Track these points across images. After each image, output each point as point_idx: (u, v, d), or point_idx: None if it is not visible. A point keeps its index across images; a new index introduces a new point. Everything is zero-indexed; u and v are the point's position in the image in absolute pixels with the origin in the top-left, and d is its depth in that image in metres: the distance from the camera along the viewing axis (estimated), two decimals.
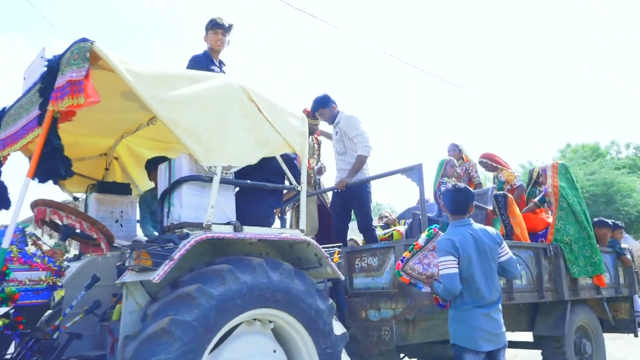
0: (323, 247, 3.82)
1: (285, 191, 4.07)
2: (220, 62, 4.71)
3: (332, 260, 3.80)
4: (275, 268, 3.35)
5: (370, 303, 4.63)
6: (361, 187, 5.27)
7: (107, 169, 4.83)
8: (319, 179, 5.98)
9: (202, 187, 3.33)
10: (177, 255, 2.97)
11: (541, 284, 5.25)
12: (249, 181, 3.53)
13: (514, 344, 6.13)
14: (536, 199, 6.37)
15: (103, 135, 4.66)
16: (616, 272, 6.53)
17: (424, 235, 3.75)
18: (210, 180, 3.27)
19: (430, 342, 4.87)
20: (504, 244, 3.67)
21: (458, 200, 3.64)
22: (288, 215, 4.96)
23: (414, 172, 4.61)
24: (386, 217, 6.70)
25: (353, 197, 5.34)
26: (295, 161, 3.94)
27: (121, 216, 4.44)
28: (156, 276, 2.87)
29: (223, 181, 3.33)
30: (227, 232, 3.25)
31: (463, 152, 7.10)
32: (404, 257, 3.75)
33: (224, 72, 4.68)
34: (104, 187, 4.51)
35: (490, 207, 5.40)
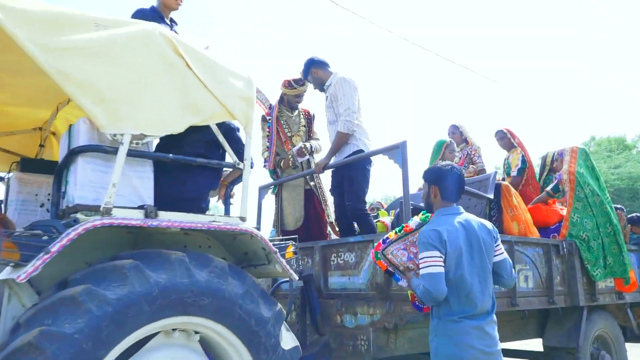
0: (276, 239, 3.12)
1: (227, 170, 3.36)
2: (172, 21, 4.01)
3: (283, 255, 3.09)
4: (202, 265, 2.68)
5: (346, 306, 3.97)
6: (354, 162, 4.48)
7: (42, 146, 4.17)
8: (300, 162, 5.22)
9: (107, 160, 2.64)
10: (55, 247, 2.27)
11: (552, 287, 4.47)
12: (171, 155, 2.82)
13: (518, 354, 5.35)
14: (549, 187, 5.53)
15: (36, 106, 3.97)
16: None
17: (417, 219, 3.08)
18: (115, 152, 2.56)
19: (415, 355, 4.12)
20: (500, 240, 2.99)
21: (452, 182, 2.98)
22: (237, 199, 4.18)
23: (397, 152, 3.86)
24: (378, 208, 5.97)
25: (344, 174, 4.61)
26: (237, 133, 3.25)
27: (48, 200, 3.76)
28: (22, 274, 2.18)
29: (132, 154, 2.65)
30: (132, 218, 2.54)
31: (465, 134, 6.42)
32: (387, 238, 3.10)
33: (176, 33, 3.97)
34: (29, 165, 3.83)
35: (491, 196, 4.60)
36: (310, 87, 5.16)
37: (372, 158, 4.58)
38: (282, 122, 5.35)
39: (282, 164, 5.21)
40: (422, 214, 3.09)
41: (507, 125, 6.40)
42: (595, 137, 30.68)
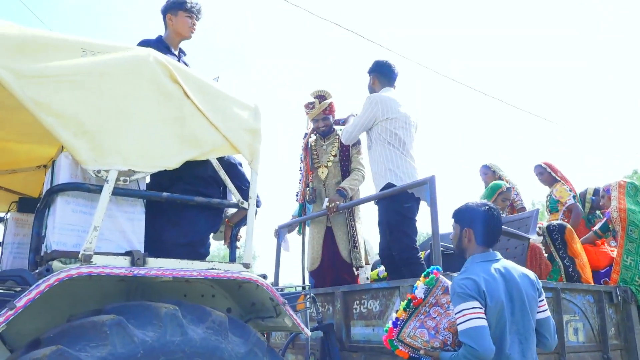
0: (287, 288, 2.76)
1: (232, 210, 3.03)
2: (181, 51, 3.77)
3: (294, 307, 2.73)
4: (198, 319, 2.35)
5: None
6: (387, 202, 3.95)
7: None
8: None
9: (91, 200, 2.35)
10: (22, 302, 1.96)
11: (606, 341, 3.95)
12: (165, 193, 2.51)
13: None
14: (597, 227, 5.01)
15: (39, 142, 3.76)
16: None
17: (421, 284, 2.64)
18: (100, 190, 2.27)
19: None
20: (544, 294, 2.57)
21: (489, 224, 2.59)
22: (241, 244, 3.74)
23: (424, 189, 3.48)
24: None
25: (381, 216, 4.06)
26: (240, 168, 2.95)
27: None
28: None
29: (119, 192, 2.35)
30: (115, 266, 2.21)
31: (498, 173, 6.01)
32: (397, 320, 2.63)
33: (186, 64, 3.74)
34: (27, 204, 3.59)
35: (533, 236, 4.13)
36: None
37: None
38: (313, 151, 4.87)
39: (306, 197, 4.74)
40: (425, 277, 2.66)
41: (545, 159, 5.94)
42: (638, 170, 29.43)
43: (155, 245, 2.53)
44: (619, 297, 4.19)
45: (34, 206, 3.54)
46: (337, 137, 4.77)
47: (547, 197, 5.93)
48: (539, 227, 4.53)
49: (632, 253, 4.44)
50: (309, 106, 4.71)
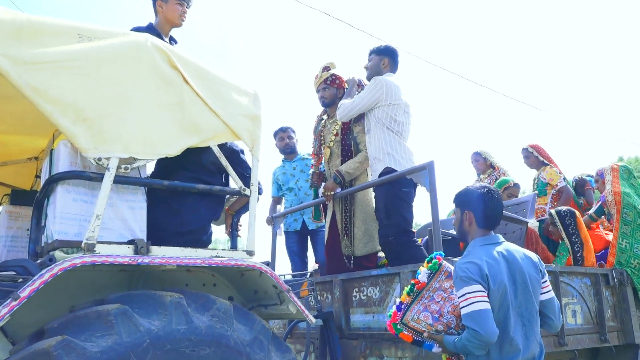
0: (287, 276, 2.76)
1: (233, 197, 3.02)
2: (172, 39, 3.73)
3: (298, 294, 2.73)
4: (203, 308, 2.33)
5: (371, 348, 3.59)
6: (383, 187, 3.89)
7: (38, 177, 3.88)
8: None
9: (92, 189, 2.32)
10: (26, 292, 1.93)
11: (603, 323, 4.00)
12: (165, 181, 2.49)
13: None
14: (592, 210, 5.07)
15: (31, 134, 3.70)
16: None
17: (424, 269, 2.64)
18: (101, 179, 2.24)
19: None
20: (547, 275, 2.58)
21: (489, 206, 2.59)
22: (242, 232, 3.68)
23: (423, 174, 3.48)
24: None
25: (378, 202, 4.02)
26: (242, 155, 2.93)
27: None
28: None
29: (120, 180, 2.33)
30: (119, 255, 2.19)
31: (489, 160, 6.05)
32: (401, 304, 2.63)
33: None
34: (20, 197, 3.54)
35: (530, 220, 4.17)
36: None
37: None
38: (322, 132, 4.66)
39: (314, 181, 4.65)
40: (428, 262, 2.68)
41: (531, 142, 5.91)
42: (624, 157, 29.78)
43: (157, 233, 2.51)
44: (615, 280, 4.24)
45: (28, 199, 3.53)
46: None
47: (534, 180, 5.91)
48: (549, 213, 4.56)
49: (627, 236, 4.50)
50: (316, 77, 4.60)
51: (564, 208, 4.53)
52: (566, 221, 4.40)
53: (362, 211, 4.30)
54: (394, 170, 3.85)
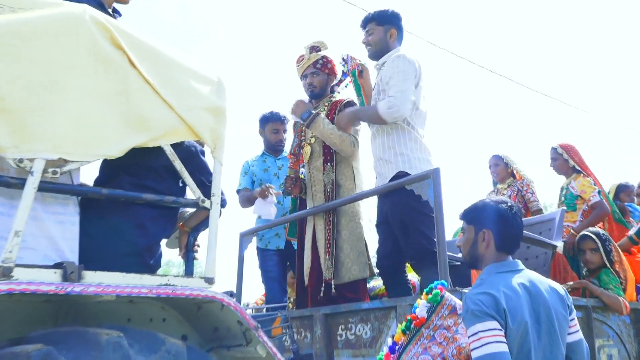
0: (257, 310, 2.77)
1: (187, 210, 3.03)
2: (115, 12, 3.73)
3: (268, 331, 2.74)
4: (148, 349, 2.36)
5: None
6: (398, 196, 3.83)
7: None
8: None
9: (11, 198, 2.32)
10: None
11: None
12: (104, 189, 2.48)
13: None
14: (632, 231, 5.15)
15: None
16: None
17: (423, 302, 2.68)
18: (22, 185, 2.23)
19: None
20: (574, 312, 2.61)
21: (512, 226, 2.63)
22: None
23: (426, 185, 3.51)
24: None
25: (390, 214, 3.96)
26: (202, 157, 2.96)
27: None
28: None
29: (47, 188, 2.32)
30: (43, 282, 2.18)
31: (512, 166, 6.10)
32: (395, 344, 2.67)
33: None
34: None
35: (558, 243, 4.23)
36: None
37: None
38: (302, 128, 4.68)
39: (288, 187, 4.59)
40: (427, 293, 2.72)
41: (562, 141, 5.94)
42: None
43: (93, 255, 2.51)
44: None
45: None
46: (327, 105, 4.56)
47: (561, 189, 5.92)
48: (581, 236, 4.57)
49: None
50: (299, 59, 4.56)
51: (599, 230, 4.58)
52: (607, 246, 4.43)
53: (348, 227, 4.30)
54: (408, 175, 3.83)
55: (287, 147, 5.29)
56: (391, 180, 3.92)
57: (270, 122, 5.38)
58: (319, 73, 4.50)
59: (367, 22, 4.23)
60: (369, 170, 4.44)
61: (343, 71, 4.59)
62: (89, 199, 2.56)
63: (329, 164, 4.39)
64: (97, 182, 2.72)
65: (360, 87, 4.43)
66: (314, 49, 4.52)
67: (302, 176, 4.66)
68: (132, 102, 2.53)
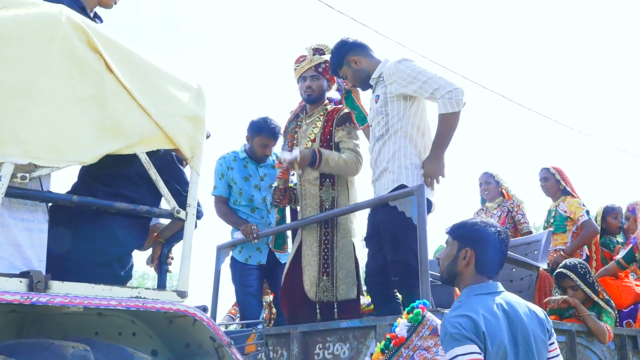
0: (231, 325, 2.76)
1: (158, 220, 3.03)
2: (96, 17, 3.73)
3: (242, 348, 2.74)
4: None
5: None
6: (394, 211, 3.74)
7: None
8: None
9: None
10: None
11: None
12: (75, 197, 2.47)
13: None
14: (619, 255, 5.19)
15: None
16: None
17: (403, 321, 2.68)
18: None
19: None
20: (554, 336, 2.61)
21: (496, 249, 2.64)
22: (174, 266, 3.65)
23: (410, 202, 3.52)
24: None
25: (382, 227, 3.92)
26: (179, 166, 2.96)
27: None
28: None
29: (14, 193, 2.31)
30: (7, 290, 2.16)
31: (502, 185, 6.10)
32: None
33: None
34: None
35: (543, 265, 4.25)
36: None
37: (431, 199, 3.88)
38: (294, 135, 4.61)
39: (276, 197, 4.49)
40: (409, 312, 2.72)
41: (555, 163, 6.04)
42: None
43: (61, 264, 2.50)
44: None
45: None
46: (322, 114, 4.48)
47: (549, 212, 6.02)
48: (557, 274, 4.54)
49: None
50: (300, 60, 4.44)
51: (576, 261, 4.53)
52: (588, 279, 4.40)
53: (344, 242, 4.27)
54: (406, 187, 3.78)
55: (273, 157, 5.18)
56: (394, 190, 3.84)
57: (262, 136, 4.99)
58: (319, 77, 4.42)
59: (333, 71, 4.26)
60: (362, 184, 4.45)
61: (338, 90, 4.56)
62: (59, 206, 2.55)
63: (327, 180, 4.34)
64: (72, 189, 2.71)
65: (355, 98, 4.39)
66: (318, 51, 4.41)
67: (291, 185, 4.59)
68: (107, 107, 2.53)
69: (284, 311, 4.44)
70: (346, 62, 4.11)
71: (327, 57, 4.37)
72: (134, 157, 2.64)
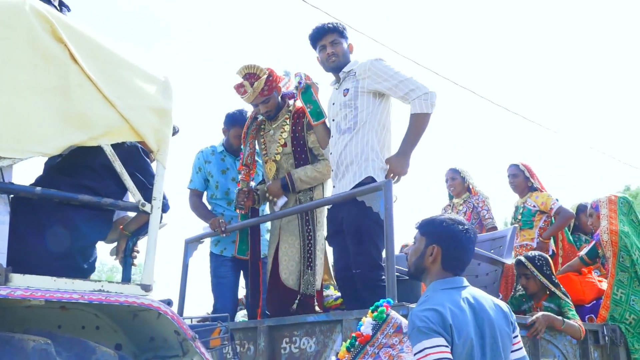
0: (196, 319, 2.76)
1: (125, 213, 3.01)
2: (63, 5, 3.67)
3: (207, 342, 2.73)
4: (77, 358, 2.37)
5: None
6: (360, 204, 3.79)
7: None
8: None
9: None
10: None
11: None
12: (39, 188, 2.44)
13: None
14: (583, 252, 5.27)
15: None
16: None
17: (368, 319, 2.70)
18: None
19: None
20: (518, 329, 2.64)
21: (463, 247, 2.67)
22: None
23: (377, 197, 3.55)
24: None
25: (346, 220, 3.96)
26: (145, 159, 2.93)
27: None
28: None
29: None
30: None
31: (468, 181, 6.20)
32: None
33: None
34: None
35: (508, 261, 4.30)
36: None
37: (394, 193, 3.83)
38: (261, 140, 4.63)
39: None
40: (373, 310, 2.74)
41: (524, 160, 6.13)
42: (630, 186, 31.20)
43: (22, 257, 2.48)
44: (607, 338, 4.42)
45: None
46: (287, 117, 4.50)
47: (516, 208, 6.11)
48: (516, 262, 4.59)
49: (623, 285, 4.69)
50: (240, 90, 4.39)
51: (536, 253, 4.61)
52: (546, 271, 4.48)
53: (320, 235, 4.34)
54: (374, 181, 3.83)
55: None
56: (358, 185, 3.90)
57: (237, 127, 4.95)
58: (269, 99, 4.39)
59: (328, 31, 4.22)
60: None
61: (296, 86, 4.45)
62: (20, 197, 2.53)
63: None
64: (37, 181, 2.68)
65: (314, 92, 4.39)
66: (251, 76, 4.33)
67: (253, 189, 4.61)
68: (71, 98, 2.51)
69: (267, 308, 4.46)
70: (346, 40, 4.24)
71: (263, 78, 4.31)
72: (98, 149, 2.62)
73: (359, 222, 3.83)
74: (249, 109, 4.82)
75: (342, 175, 4.04)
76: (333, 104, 4.19)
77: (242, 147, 4.78)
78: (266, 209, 4.87)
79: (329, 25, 4.20)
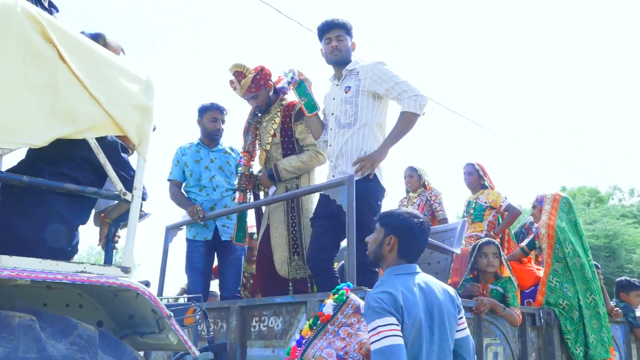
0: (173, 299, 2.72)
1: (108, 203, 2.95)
2: (52, 6, 3.58)
3: (182, 321, 2.69)
4: (60, 333, 2.28)
5: None
6: (360, 193, 3.65)
7: None
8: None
9: None
10: None
11: None
12: (25, 177, 2.39)
13: None
14: (524, 243, 5.34)
15: None
16: (628, 351, 5.52)
17: (329, 301, 2.71)
18: None
19: None
20: (463, 311, 2.67)
21: (418, 239, 2.69)
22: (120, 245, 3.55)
23: (340, 191, 3.53)
24: None
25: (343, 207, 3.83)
26: (123, 154, 2.89)
27: None
28: None
29: None
30: None
31: (423, 178, 6.37)
32: (302, 338, 2.67)
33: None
34: None
35: (458, 250, 4.33)
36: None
37: (384, 186, 3.91)
38: (257, 131, 4.63)
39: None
40: (334, 293, 2.76)
41: (479, 160, 6.25)
42: (566, 187, 31.67)
43: (8, 240, 2.43)
44: (542, 320, 4.47)
45: None
46: (279, 110, 4.50)
47: (468, 203, 6.22)
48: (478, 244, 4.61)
49: (558, 274, 4.75)
50: (232, 86, 4.46)
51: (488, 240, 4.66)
52: (503, 256, 4.50)
53: (307, 222, 4.30)
54: (367, 178, 3.80)
55: (224, 139, 5.14)
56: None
57: (210, 111, 4.97)
58: (258, 94, 4.42)
59: (336, 26, 4.12)
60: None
61: (288, 81, 4.37)
62: (6, 185, 2.46)
63: None
64: (17, 167, 2.61)
65: (308, 86, 4.31)
66: (238, 74, 4.38)
67: (255, 174, 4.62)
68: (59, 94, 2.45)
69: (259, 289, 4.45)
70: (350, 38, 4.16)
71: (249, 77, 4.37)
72: (80, 142, 2.56)
73: (360, 214, 3.64)
74: (246, 106, 4.82)
75: (341, 167, 3.97)
76: (333, 98, 4.13)
77: (219, 130, 4.92)
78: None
79: (338, 21, 4.11)
